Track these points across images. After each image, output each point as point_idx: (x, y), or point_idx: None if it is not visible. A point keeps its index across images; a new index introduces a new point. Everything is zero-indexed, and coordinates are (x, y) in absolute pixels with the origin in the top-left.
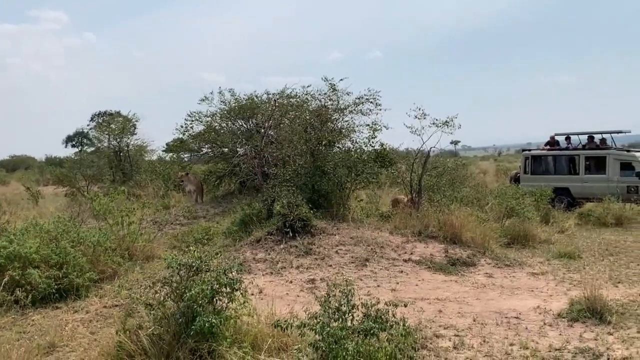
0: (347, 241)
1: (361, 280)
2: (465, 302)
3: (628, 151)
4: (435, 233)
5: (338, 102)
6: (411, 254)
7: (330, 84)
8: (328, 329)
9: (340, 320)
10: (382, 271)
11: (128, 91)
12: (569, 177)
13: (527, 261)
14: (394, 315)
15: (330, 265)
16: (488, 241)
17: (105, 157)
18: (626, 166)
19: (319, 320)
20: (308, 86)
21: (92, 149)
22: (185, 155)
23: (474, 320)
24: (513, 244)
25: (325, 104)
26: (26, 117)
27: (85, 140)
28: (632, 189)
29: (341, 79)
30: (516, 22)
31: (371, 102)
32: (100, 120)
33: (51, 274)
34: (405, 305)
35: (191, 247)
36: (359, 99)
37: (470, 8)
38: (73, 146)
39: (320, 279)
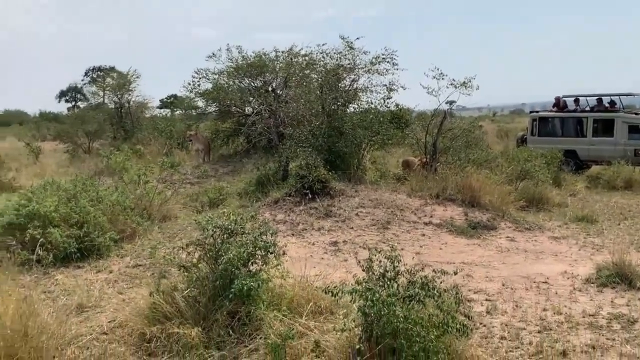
0: (367, 203)
1: (384, 243)
2: (491, 267)
3: (637, 114)
4: (453, 196)
5: (354, 61)
6: (431, 216)
7: (346, 42)
8: (377, 295)
9: (386, 286)
10: (404, 234)
11: (118, 47)
12: (577, 140)
13: (545, 225)
14: (441, 282)
15: (352, 228)
16: (506, 204)
17: (106, 113)
18: (635, 129)
19: (365, 286)
20: (323, 44)
21: (86, 104)
22: (196, 111)
23: (503, 285)
24: (529, 207)
25: (342, 63)
26: (16, 72)
27: (79, 96)
28: None
29: (357, 38)
30: None
31: (388, 62)
32: (94, 76)
33: (72, 233)
34: (455, 273)
35: (225, 210)
36: (375, 58)
37: None
38: (67, 101)
39: (343, 242)
